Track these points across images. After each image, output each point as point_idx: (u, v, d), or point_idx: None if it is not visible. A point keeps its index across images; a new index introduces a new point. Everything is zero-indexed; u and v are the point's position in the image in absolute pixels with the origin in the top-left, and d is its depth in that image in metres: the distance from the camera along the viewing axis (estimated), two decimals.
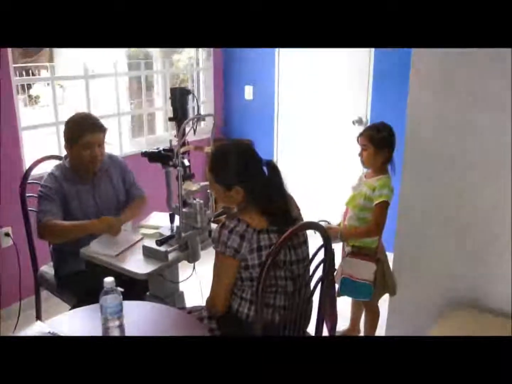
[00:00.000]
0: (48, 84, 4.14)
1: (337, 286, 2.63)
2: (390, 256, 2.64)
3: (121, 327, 1.57)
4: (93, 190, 2.52)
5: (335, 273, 2.68)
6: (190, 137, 2.33)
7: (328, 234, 1.88)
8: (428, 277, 2.46)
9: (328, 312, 2.03)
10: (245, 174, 1.84)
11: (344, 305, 2.88)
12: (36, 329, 1.66)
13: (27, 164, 3.04)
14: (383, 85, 3.76)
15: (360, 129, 3.68)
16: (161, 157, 2.27)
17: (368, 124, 3.81)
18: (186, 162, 2.23)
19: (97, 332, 1.60)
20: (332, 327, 2.15)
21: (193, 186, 2.23)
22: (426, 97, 2.27)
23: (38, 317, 2.74)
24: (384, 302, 2.72)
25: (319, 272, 1.91)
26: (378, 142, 2.50)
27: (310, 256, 1.93)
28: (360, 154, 2.59)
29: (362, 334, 2.91)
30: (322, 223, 2.33)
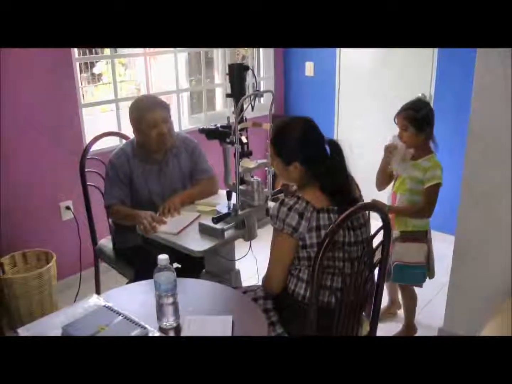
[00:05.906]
0: (107, 62, 4.18)
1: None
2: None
3: (174, 304, 1.56)
4: (160, 172, 2.52)
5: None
6: (249, 114, 2.29)
7: (388, 218, 1.80)
8: (489, 262, 2.39)
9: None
10: (305, 151, 1.81)
11: None
12: (92, 302, 1.68)
13: (87, 140, 3.09)
14: (448, 60, 3.55)
15: None
16: (219, 134, 2.23)
17: (432, 100, 3.64)
18: (244, 139, 2.19)
19: (152, 306, 1.60)
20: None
21: (251, 164, 2.20)
22: (493, 77, 2.17)
23: (97, 288, 2.81)
24: (444, 286, 2.67)
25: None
26: (419, 122, 2.37)
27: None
28: (400, 135, 2.44)
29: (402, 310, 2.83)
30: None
